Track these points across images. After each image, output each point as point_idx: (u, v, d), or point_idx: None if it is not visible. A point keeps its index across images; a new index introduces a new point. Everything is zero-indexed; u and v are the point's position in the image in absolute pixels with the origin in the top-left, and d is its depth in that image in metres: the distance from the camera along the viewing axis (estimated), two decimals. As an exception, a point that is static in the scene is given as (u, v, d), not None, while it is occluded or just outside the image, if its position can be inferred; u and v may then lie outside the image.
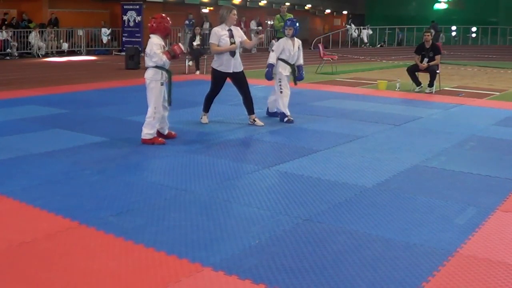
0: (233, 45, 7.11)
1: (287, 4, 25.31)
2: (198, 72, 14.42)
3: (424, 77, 11.73)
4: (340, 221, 3.95)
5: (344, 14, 37.07)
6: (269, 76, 7.93)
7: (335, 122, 7.90)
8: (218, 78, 7.35)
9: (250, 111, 7.51)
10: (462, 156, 6.07)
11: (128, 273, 3.07)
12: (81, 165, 5.25)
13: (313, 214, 4.07)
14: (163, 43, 6.19)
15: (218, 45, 7.17)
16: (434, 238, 3.67)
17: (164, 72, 6.16)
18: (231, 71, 7.27)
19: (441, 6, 32.11)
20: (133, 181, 4.77)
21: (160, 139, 6.26)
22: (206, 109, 7.59)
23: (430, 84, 11.58)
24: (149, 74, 6.14)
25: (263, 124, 7.49)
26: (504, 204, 4.43)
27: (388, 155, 5.94)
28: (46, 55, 19.17)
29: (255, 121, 7.51)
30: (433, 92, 11.52)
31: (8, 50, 18.25)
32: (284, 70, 7.92)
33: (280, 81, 7.96)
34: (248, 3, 28.47)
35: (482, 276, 3.14)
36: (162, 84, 6.15)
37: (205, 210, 4.09)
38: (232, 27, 7.27)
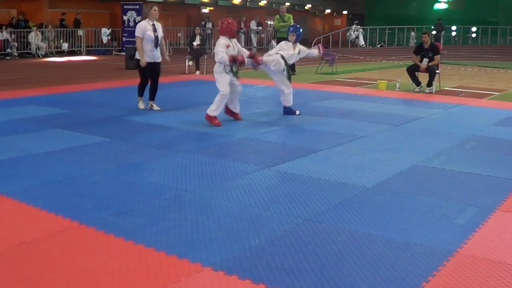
0: (144, 62, 8.11)
1: (287, 4, 25.32)
2: (198, 72, 14.42)
3: (424, 77, 11.73)
4: (340, 221, 3.95)
5: (344, 14, 37.06)
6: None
7: (335, 122, 7.90)
8: (146, 69, 8.22)
9: (152, 98, 8.47)
10: (462, 156, 6.07)
11: (128, 273, 3.07)
12: (81, 165, 5.25)
13: (313, 214, 4.07)
14: (228, 43, 7.29)
15: (142, 39, 8.09)
16: (434, 238, 3.67)
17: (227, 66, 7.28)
18: (152, 61, 8.21)
19: (441, 6, 32.09)
20: (133, 181, 4.77)
21: (217, 121, 7.27)
22: (141, 93, 8.52)
23: (429, 84, 11.58)
24: (215, 67, 7.37)
25: (159, 108, 8.43)
26: (504, 204, 4.43)
27: (388, 155, 5.94)
28: (46, 55, 19.16)
29: (152, 106, 8.46)
30: (433, 92, 11.52)
31: (8, 50, 18.25)
32: (281, 66, 8.21)
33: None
34: (248, 3, 28.49)
35: (482, 276, 3.14)
36: (227, 73, 7.27)
37: (205, 210, 4.09)
38: (155, 22, 8.22)
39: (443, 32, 26.78)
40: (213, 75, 7.37)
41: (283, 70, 8.25)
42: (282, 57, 8.19)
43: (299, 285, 2.99)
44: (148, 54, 8.14)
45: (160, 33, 8.25)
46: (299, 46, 8.42)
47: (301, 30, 8.52)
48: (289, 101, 8.38)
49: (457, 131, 7.37)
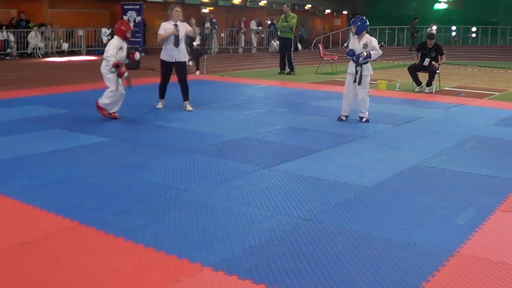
0: (173, 30, 8.08)
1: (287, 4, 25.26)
2: (198, 72, 14.42)
3: (424, 77, 11.72)
4: (340, 221, 3.95)
5: (344, 14, 37.05)
6: (350, 53, 7.89)
7: (335, 122, 7.90)
8: (164, 68, 8.39)
9: (186, 98, 8.54)
10: (462, 156, 6.07)
11: (128, 273, 3.07)
12: (81, 165, 5.25)
13: (313, 214, 4.07)
14: (121, 45, 7.40)
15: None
16: (434, 238, 3.67)
17: None
18: (174, 61, 8.25)
19: (441, 6, 32.09)
20: (133, 181, 4.77)
21: (106, 112, 7.48)
22: (161, 96, 8.60)
23: (428, 84, 11.57)
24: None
25: (192, 109, 8.43)
26: (504, 204, 4.43)
27: (388, 155, 5.94)
28: (46, 55, 19.16)
29: (186, 106, 8.50)
30: (433, 92, 11.51)
31: (8, 50, 18.24)
32: (348, 68, 7.98)
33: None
34: (248, 3, 28.45)
35: (482, 276, 3.15)
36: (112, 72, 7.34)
37: (205, 210, 4.09)
38: (178, 23, 8.24)
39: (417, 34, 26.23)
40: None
41: (353, 73, 7.82)
42: (352, 59, 7.79)
43: (299, 285, 2.99)
44: (169, 53, 8.25)
45: (183, 32, 8.25)
46: (366, 39, 7.73)
47: (360, 21, 7.76)
48: (361, 111, 7.88)
49: (457, 131, 7.37)
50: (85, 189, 4.54)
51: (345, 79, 8.06)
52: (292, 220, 3.93)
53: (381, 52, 7.94)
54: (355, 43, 7.82)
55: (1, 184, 4.57)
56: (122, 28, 7.47)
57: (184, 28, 8.29)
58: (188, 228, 3.74)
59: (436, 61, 11.39)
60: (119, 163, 5.36)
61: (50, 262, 3.19)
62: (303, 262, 3.26)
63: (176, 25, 8.17)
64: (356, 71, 7.80)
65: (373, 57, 7.79)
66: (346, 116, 8.00)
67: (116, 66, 7.31)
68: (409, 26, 29.08)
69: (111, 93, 7.34)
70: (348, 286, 2.99)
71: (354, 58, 7.75)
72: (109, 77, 7.37)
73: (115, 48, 7.31)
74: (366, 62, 7.81)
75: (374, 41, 7.85)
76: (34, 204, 4.11)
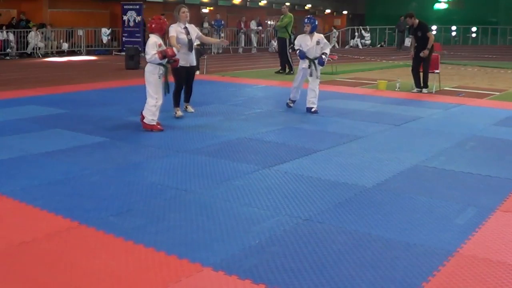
0: (178, 46, 7.37)
1: (287, 4, 25.28)
2: (198, 72, 14.38)
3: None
4: (340, 221, 3.95)
5: (344, 14, 37.06)
6: (302, 55, 8.49)
7: (335, 122, 7.90)
8: (180, 73, 7.83)
9: (187, 99, 8.29)
10: (462, 156, 6.07)
11: (128, 273, 3.07)
12: (81, 165, 5.25)
13: (313, 214, 4.07)
14: (160, 42, 6.84)
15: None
16: (434, 238, 3.67)
17: None
18: (189, 65, 7.90)
19: (441, 6, 32.07)
20: (133, 181, 4.77)
21: (159, 126, 6.96)
22: (177, 103, 8.03)
23: (424, 85, 11.54)
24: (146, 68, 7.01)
25: (193, 110, 8.26)
26: (504, 204, 4.43)
27: (388, 155, 5.94)
28: (46, 55, 19.16)
29: (187, 108, 8.28)
30: (433, 92, 11.51)
31: (8, 50, 18.24)
32: (300, 65, 8.61)
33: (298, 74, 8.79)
34: (248, 3, 28.44)
35: (482, 276, 3.15)
36: (159, 77, 6.89)
37: (205, 210, 4.09)
38: (187, 25, 7.82)
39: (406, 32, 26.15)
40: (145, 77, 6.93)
41: (308, 67, 8.45)
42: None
43: (299, 285, 2.99)
44: (184, 58, 7.63)
45: (194, 35, 7.84)
46: (317, 36, 8.47)
47: (314, 21, 8.54)
48: (309, 102, 8.56)
49: (457, 131, 7.37)
50: (85, 189, 4.54)
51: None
52: (292, 220, 3.93)
53: (330, 45, 8.74)
54: (307, 41, 8.43)
55: (1, 184, 4.57)
56: (154, 26, 6.90)
57: (194, 31, 7.90)
58: (188, 228, 3.74)
59: (425, 40, 11.30)
60: (119, 163, 5.36)
61: (50, 262, 3.19)
62: (303, 262, 3.26)
63: (186, 28, 7.73)
64: (310, 65, 8.45)
65: (328, 52, 8.56)
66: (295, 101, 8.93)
67: (164, 56, 6.69)
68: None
69: (153, 107, 6.80)
70: (348, 286, 2.99)
71: (319, 61, 8.41)
72: (153, 82, 6.81)
73: (154, 46, 6.71)
74: (316, 58, 8.47)
75: (323, 37, 8.64)
76: (34, 204, 4.11)
